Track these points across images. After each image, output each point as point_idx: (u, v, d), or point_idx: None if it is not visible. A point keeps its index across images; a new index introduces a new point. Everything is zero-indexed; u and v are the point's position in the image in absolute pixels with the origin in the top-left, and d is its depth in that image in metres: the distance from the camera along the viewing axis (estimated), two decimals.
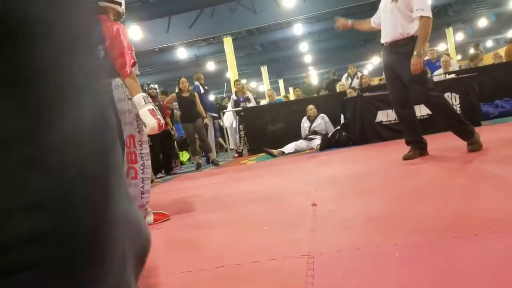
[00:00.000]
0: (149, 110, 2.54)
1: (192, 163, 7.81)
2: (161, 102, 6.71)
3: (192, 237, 2.28)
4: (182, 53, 17.15)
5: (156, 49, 16.05)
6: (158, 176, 6.31)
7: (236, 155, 7.68)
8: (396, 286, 1.21)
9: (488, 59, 10.17)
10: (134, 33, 12.75)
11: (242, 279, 1.48)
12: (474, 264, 1.28)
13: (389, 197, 2.37)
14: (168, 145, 6.82)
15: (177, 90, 6.76)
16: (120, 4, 2.78)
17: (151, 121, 2.52)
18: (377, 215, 2.02)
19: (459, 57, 20.74)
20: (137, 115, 2.59)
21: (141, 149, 2.65)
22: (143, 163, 2.65)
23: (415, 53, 3.29)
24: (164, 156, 6.81)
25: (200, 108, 6.69)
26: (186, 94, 6.65)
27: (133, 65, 2.59)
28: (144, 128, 2.61)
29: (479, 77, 6.04)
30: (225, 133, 8.15)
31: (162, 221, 2.76)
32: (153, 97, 6.40)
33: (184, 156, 8.57)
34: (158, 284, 1.61)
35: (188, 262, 1.82)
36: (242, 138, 7.69)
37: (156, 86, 6.77)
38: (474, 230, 1.56)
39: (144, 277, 1.69)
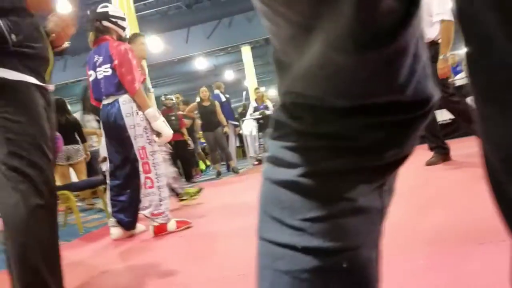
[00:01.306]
0: (163, 121, 2.78)
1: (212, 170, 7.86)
2: (177, 113, 6.76)
3: (215, 245, 2.30)
4: (200, 63, 17.33)
5: (176, 60, 16.26)
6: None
7: (256, 162, 7.70)
8: None
9: None
10: (155, 44, 12.96)
11: None
12: (501, 270, 1.26)
13: (413, 203, 2.35)
14: (186, 154, 6.87)
15: (198, 100, 6.84)
16: (123, 29, 2.96)
17: (167, 130, 2.76)
18: (400, 221, 2.00)
19: None
20: (146, 128, 2.75)
21: (153, 159, 2.76)
22: (156, 172, 2.77)
23: (440, 57, 3.26)
24: (183, 165, 6.87)
25: (221, 116, 6.76)
26: (206, 104, 6.73)
27: (143, 81, 2.78)
28: (155, 138, 2.78)
29: None
30: (245, 141, 8.18)
31: (184, 228, 2.79)
32: (170, 108, 6.49)
33: (202, 165, 8.64)
34: None
35: (209, 269, 1.84)
36: (262, 146, 7.71)
37: (173, 97, 6.85)
38: (501, 236, 1.53)
39: (168, 285, 1.72)
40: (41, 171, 1.42)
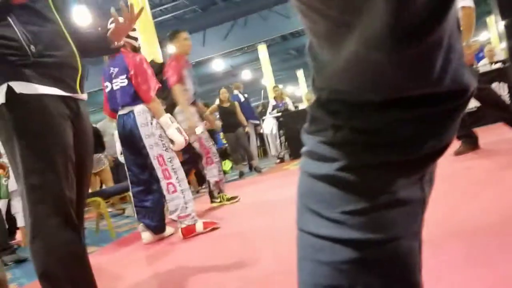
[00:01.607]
0: (176, 128, 2.81)
1: (234, 171, 7.89)
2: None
3: (244, 245, 2.32)
4: (218, 65, 17.43)
5: (193, 63, 16.39)
6: (204, 186, 6.42)
7: (278, 160, 7.69)
8: (461, 281, 1.20)
9: None
10: (172, 49, 13.07)
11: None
12: None
13: (444, 194, 2.31)
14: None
15: (217, 101, 6.89)
16: (136, 39, 3.05)
17: (179, 138, 2.80)
18: (432, 213, 1.98)
19: (503, 45, 19.81)
20: (160, 136, 2.83)
21: (172, 165, 2.83)
22: (177, 176, 2.83)
23: (464, 43, 3.20)
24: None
25: (241, 117, 6.79)
26: (226, 105, 6.78)
27: (158, 89, 2.83)
28: (171, 145, 2.84)
29: None
30: (266, 139, 8.18)
31: (212, 229, 2.83)
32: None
33: (226, 165, 8.68)
34: None
35: (242, 268, 1.86)
36: (283, 144, 7.71)
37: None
38: None
39: (204, 285, 1.74)
40: (49, 187, 1.36)
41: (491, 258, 1.32)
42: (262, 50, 15.77)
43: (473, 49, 3.19)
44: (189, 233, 2.79)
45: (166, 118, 2.82)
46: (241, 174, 6.89)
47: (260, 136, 8.84)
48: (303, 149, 0.53)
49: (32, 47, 1.38)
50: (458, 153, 3.49)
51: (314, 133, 0.50)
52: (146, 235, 2.99)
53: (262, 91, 14.10)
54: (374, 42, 0.38)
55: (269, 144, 8.29)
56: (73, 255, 1.40)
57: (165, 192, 2.86)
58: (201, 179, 6.63)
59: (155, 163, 2.84)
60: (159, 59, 9.03)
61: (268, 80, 15.97)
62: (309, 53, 0.51)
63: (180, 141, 2.81)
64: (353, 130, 0.46)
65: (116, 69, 2.87)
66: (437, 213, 1.97)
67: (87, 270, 1.45)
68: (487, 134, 4.10)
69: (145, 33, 8.95)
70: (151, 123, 2.82)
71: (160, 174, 2.84)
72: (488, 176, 2.58)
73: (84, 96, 1.60)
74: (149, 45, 8.94)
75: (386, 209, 0.46)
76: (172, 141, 2.86)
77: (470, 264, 1.32)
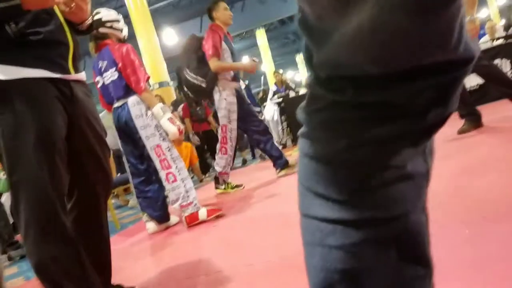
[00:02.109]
0: (168, 119, 2.75)
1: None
2: (202, 101, 6.79)
3: (251, 232, 2.31)
4: None
5: None
6: (207, 175, 6.44)
7: (280, 147, 7.67)
8: (469, 265, 1.18)
9: None
10: (169, 37, 12.99)
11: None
12: None
13: (449, 172, 2.29)
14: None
15: None
16: (120, 30, 2.94)
17: (172, 128, 2.74)
18: (438, 191, 1.96)
19: (503, 21, 19.60)
20: (157, 126, 2.79)
21: (170, 154, 2.81)
22: (177, 165, 2.81)
23: (468, 18, 3.15)
24: (213, 154, 6.90)
25: None
26: None
27: (147, 80, 2.77)
28: (166, 135, 2.81)
29: None
30: (267, 126, 8.14)
31: (216, 216, 2.82)
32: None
33: None
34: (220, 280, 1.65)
35: (248, 256, 1.85)
36: (285, 130, 7.67)
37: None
38: None
39: (207, 273, 1.74)
40: (30, 185, 1.23)
41: (502, 234, 1.30)
42: (261, 35, 15.65)
43: (477, 24, 3.14)
44: (192, 220, 2.78)
45: (158, 108, 2.77)
46: (244, 162, 6.88)
47: None
48: (302, 131, 0.50)
49: (12, 25, 1.21)
50: (461, 131, 3.45)
51: (314, 113, 0.48)
52: (151, 225, 2.99)
53: (262, 77, 14.02)
54: (398, 6, 0.35)
55: (271, 130, 8.25)
56: (63, 272, 1.24)
57: (164, 183, 2.83)
58: (205, 168, 6.65)
59: (152, 154, 2.82)
60: (157, 47, 8.99)
61: (267, 65, 15.88)
62: (302, 27, 0.46)
63: (173, 131, 2.75)
64: (359, 106, 0.44)
65: (105, 63, 2.83)
66: (440, 190, 1.95)
67: (86, 279, 1.30)
68: (490, 111, 4.06)
69: (140, 21, 8.89)
70: (146, 114, 2.79)
71: (158, 165, 2.82)
72: (494, 151, 2.55)
73: (80, 76, 1.45)
74: (145, 32, 8.89)
75: (395, 185, 0.45)
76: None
77: (479, 241, 1.30)
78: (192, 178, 6.86)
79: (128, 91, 2.78)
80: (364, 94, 0.43)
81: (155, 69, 8.92)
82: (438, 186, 2.10)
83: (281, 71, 8.79)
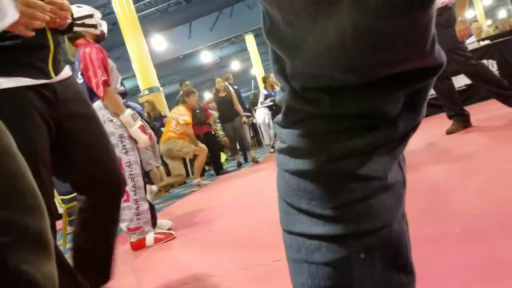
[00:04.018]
0: (139, 127, 2.59)
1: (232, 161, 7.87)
2: (201, 105, 6.80)
3: (246, 236, 2.30)
4: (206, 57, 17.32)
5: (181, 56, 16.27)
6: (206, 175, 6.47)
7: (272, 150, 7.69)
8: (460, 263, 1.19)
9: None
10: (158, 43, 12.98)
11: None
12: None
13: (439, 171, 2.31)
14: (213, 146, 6.87)
15: (214, 91, 6.86)
16: (94, 27, 2.72)
17: (143, 137, 2.59)
18: (430, 190, 1.98)
19: (489, 22, 19.90)
20: (121, 136, 2.58)
21: (130, 170, 2.59)
22: (134, 184, 2.60)
23: (459, 19, 3.19)
24: (213, 158, 6.91)
25: (238, 107, 6.75)
26: (223, 94, 6.76)
27: (106, 84, 2.54)
28: (132, 147, 2.62)
29: None
30: (259, 129, 8.15)
31: (166, 241, 2.64)
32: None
33: (222, 157, 8.67)
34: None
35: (242, 259, 1.84)
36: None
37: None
38: None
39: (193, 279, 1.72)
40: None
41: (493, 233, 1.31)
42: (250, 40, 15.70)
43: (468, 25, 3.18)
44: (138, 247, 2.62)
45: (127, 116, 2.55)
46: (239, 165, 6.89)
47: (253, 126, 8.81)
48: (279, 146, 0.49)
49: None
50: (450, 131, 3.49)
51: (291, 126, 0.47)
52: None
53: (252, 81, 14.04)
54: (382, 7, 0.34)
55: (262, 134, 8.26)
56: None
57: None
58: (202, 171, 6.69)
59: None
60: (146, 53, 8.96)
61: (257, 70, 15.91)
62: (271, 38, 0.44)
63: (143, 139, 2.59)
64: (335, 117, 0.43)
65: (77, 63, 2.65)
66: (432, 188, 1.96)
67: None
68: (479, 111, 4.11)
69: (129, 28, 8.87)
70: (111, 121, 2.57)
71: None
72: (483, 150, 2.58)
73: (62, 76, 1.37)
74: (134, 39, 8.87)
75: (377, 196, 0.45)
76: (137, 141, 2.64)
77: (469, 240, 1.31)
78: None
79: (93, 95, 2.57)
80: (341, 105, 0.42)
81: (144, 75, 8.91)
82: (428, 186, 2.12)
83: (272, 75, 8.80)
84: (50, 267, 0.56)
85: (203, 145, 5.83)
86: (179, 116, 5.69)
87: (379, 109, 0.42)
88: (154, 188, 5.83)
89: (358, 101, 0.42)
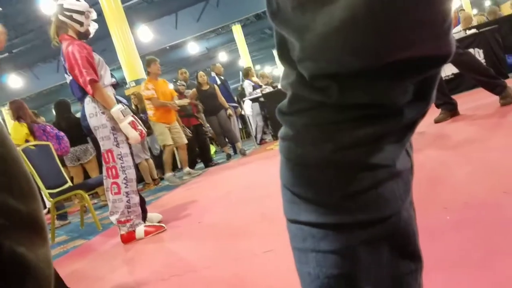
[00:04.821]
0: (129, 123, 2.57)
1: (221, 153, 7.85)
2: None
3: (237, 227, 2.30)
4: (193, 48, 17.16)
5: (167, 47, 16.10)
6: (196, 169, 6.45)
7: (259, 141, 7.71)
8: (450, 250, 1.20)
9: (506, 9, 9.79)
10: (144, 34, 12.82)
11: None
12: None
13: (429, 160, 2.33)
14: (202, 138, 6.83)
15: (196, 85, 6.81)
16: (80, 24, 2.68)
17: (133, 134, 2.57)
18: (419, 179, 1.99)
19: (475, 11, 20.04)
20: (113, 128, 2.59)
21: (121, 163, 2.60)
22: (126, 176, 2.61)
23: None
24: (201, 149, 6.88)
25: (222, 99, 6.71)
26: (205, 87, 6.68)
27: (92, 82, 2.53)
28: (123, 140, 2.61)
29: (501, 29, 5.83)
30: (248, 121, 8.13)
31: (156, 234, 2.64)
32: (182, 93, 6.47)
33: (212, 149, 8.64)
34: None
35: (233, 250, 1.84)
36: (263, 125, 7.73)
37: (184, 82, 6.84)
38: None
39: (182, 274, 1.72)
40: None
41: (483, 218, 1.33)
42: (237, 31, 15.58)
43: (455, 14, 3.20)
44: (128, 240, 2.62)
45: (117, 111, 2.54)
46: (229, 157, 6.88)
47: (242, 118, 8.78)
48: (283, 133, 0.48)
49: None
50: (438, 120, 3.52)
51: (297, 114, 0.46)
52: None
53: (240, 73, 13.97)
54: None
55: (251, 126, 8.25)
56: None
57: (107, 192, 2.64)
58: (193, 163, 6.66)
59: (103, 159, 2.61)
60: (132, 45, 8.85)
61: (245, 61, 15.84)
62: (277, 21, 0.43)
63: (133, 135, 2.57)
64: (344, 106, 0.42)
65: (63, 59, 2.63)
66: (421, 176, 1.98)
67: None
68: (466, 100, 4.15)
69: (114, 19, 8.73)
70: (102, 113, 2.58)
71: (104, 172, 2.62)
72: (471, 138, 2.60)
73: None
74: (119, 30, 8.74)
75: (386, 184, 0.44)
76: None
77: (460, 227, 1.32)
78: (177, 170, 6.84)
79: (85, 91, 2.59)
80: (350, 94, 0.41)
81: (130, 67, 8.80)
82: (419, 174, 2.13)
83: (257, 67, 8.78)
84: (45, 251, 0.55)
85: (183, 136, 5.75)
86: (143, 92, 5.58)
87: (388, 98, 0.42)
88: (187, 169, 5.82)
89: (367, 90, 0.41)
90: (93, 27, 2.78)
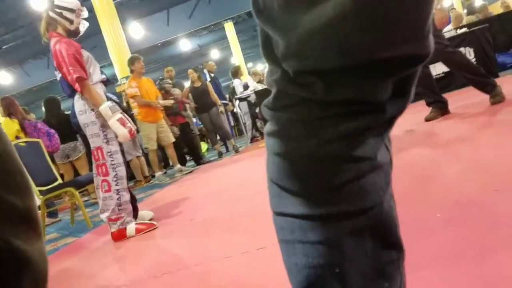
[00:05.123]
0: (118, 119, 2.54)
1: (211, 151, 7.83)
2: (177, 97, 6.70)
3: (227, 225, 2.30)
4: (185, 45, 17.08)
5: (159, 44, 16.00)
6: (187, 166, 6.43)
7: (249, 140, 7.69)
8: (441, 248, 1.21)
9: (496, 9, 9.87)
10: (135, 31, 12.74)
11: None
12: None
13: (419, 157, 2.35)
14: (189, 137, 6.80)
15: (189, 83, 6.79)
16: (70, 21, 2.65)
17: (122, 131, 2.54)
18: (409, 176, 2.01)
19: (465, 10, 20.15)
20: (103, 125, 2.57)
21: (111, 160, 2.58)
22: (116, 174, 2.59)
23: (438, 7, 3.22)
24: (190, 148, 6.85)
25: (214, 96, 6.69)
26: (197, 84, 6.67)
27: (80, 80, 2.51)
28: (113, 137, 2.59)
29: (491, 28, 5.88)
30: (240, 119, 8.11)
31: (147, 231, 2.63)
32: (168, 92, 6.43)
33: (203, 147, 8.61)
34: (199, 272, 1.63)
35: (223, 247, 1.84)
36: (254, 123, 7.72)
37: (170, 80, 6.79)
38: None
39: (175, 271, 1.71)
40: None
41: (473, 216, 1.34)
42: (229, 28, 15.55)
43: (446, 13, 3.22)
44: (119, 237, 2.61)
45: (105, 108, 2.52)
46: (220, 155, 6.85)
47: (234, 115, 8.76)
48: (269, 129, 0.50)
49: None
50: (429, 118, 3.54)
51: (281, 110, 0.47)
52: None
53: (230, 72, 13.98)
54: None
55: (243, 123, 8.23)
56: None
57: (97, 190, 2.63)
58: (183, 160, 6.62)
59: (92, 156, 2.61)
60: (123, 41, 8.78)
61: (237, 58, 15.82)
62: (263, 19, 0.44)
63: (123, 133, 2.53)
64: (329, 102, 0.43)
65: (52, 58, 2.62)
66: (412, 174, 1.99)
67: None
68: (456, 98, 4.18)
69: (105, 15, 8.66)
70: (91, 110, 2.56)
71: (94, 170, 2.61)
72: (462, 136, 2.62)
73: None
74: (111, 27, 8.67)
75: (368, 176, 0.46)
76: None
77: (450, 225, 1.33)
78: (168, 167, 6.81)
79: (74, 88, 2.57)
80: (334, 91, 0.42)
81: (122, 63, 8.71)
82: (409, 172, 2.15)
83: (250, 64, 8.78)
84: (41, 246, 0.56)
85: (170, 134, 5.73)
86: (127, 90, 5.52)
87: (372, 95, 0.43)
88: (179, 166, 5.79)
89: (352, 86, 0.42)
90: (83, 26, 2.75)
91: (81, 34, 2.76)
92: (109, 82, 2.81)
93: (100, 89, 2.65)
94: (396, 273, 0.50)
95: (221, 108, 6.80)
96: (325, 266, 0.46)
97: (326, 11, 0.37)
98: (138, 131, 5.35)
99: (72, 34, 2.71)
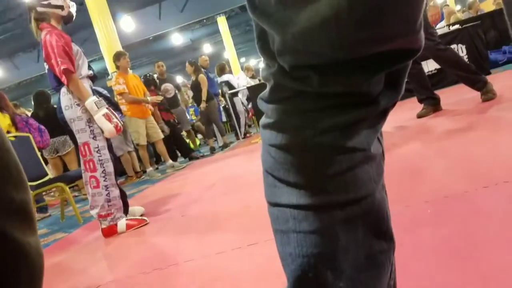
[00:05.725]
0: (103, 115, 2.50)
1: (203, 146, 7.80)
2: (159, 93, 6.60)
3: (219, 222, 2.29)
4: (176, 39, 16.97)
5: (150, 38, 15.89)
6: (178, 162, 6.41)
7: (242, 135, 7.69)
8: (431, 243, 1.21)
9: (488, 6, 9.93)
10: (126, 24, 12.62)
11: None
12: (510, 210, 1.26)
13: (411, 154, 2.35)
14: (177, 131, 6.77)
15: (181, 77, 6.80)
16: (61, 8, 2.60)
17: (107, 126, 2.50)
18: (401, 171, 2.01)
19: (458, 7, 20.28)
20: (89, 120, 2.53)
21: (99, 156, 2.54)
22: (104, 170, 2.55)
23: (431, 4, 3.23)
24: (177, 144, 6.81)
25: (204, 90, 6.68)
26: (193, 78, 6.79)
27: (67, 72, 2.47)
28: (100, 132, 2.55)
29: (483, 25, 5.91)
30: (232, 114, 8.09)
31: (138, 227, 2.62)
32: (156, 87, 6.37)
33: (196, 141, 8.59)
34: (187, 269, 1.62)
35: (211, 245, 1.83)
36: (246, 119, 7.75)
37: (155, 75, 6.75)
38: (504, 177, 1.54)
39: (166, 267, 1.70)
40: None
41: (462, 212, 1.35)
42: (222, 22, 15.48)
43: (438, 10, 3.23)
44: (110, 234, 2.59)
45: (90, 102, 2.48)
46: (212, 150, 6.84)
47: (227, 111, 8.73)
48: (264, 122, 0.51)
49: None
50: (421, 115, 3.56)
51: (277, 102, 0.48)
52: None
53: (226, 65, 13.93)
54: None
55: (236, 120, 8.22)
56: None
57: (86, 186, 2.60)
58: (174, 157, 6.59)
59: (79, 152, 2.57)
60: (114, 35, 8.70)
61: (230, 53, 15.76)
62: (258, 14, 0.44)
63: (108, 128, 2.50)
64: (323, 95, 0.45)
65: (42, 52, 2.57)
66: (403, 171, 2.00)
67: None
68: (448, 95, 4.21)
69: (97, 9, 8.57)
70: (77, 105, 2.52)
71: (82, 166, 2.57)
72: (453, 133, 2.63)
73: None
74: (102, 20, 8.58)
75: (361, 166, 0.47)
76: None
77: (440, 220, 1.34)
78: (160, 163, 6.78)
79: (60, 81, 2.53)
80: (329, 84, 0.44)
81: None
82: (401, 167, 2.15)
83: (243, 59, 8.77)
84: (36, 239, 0.56)
85: (159, 131, 5.71)
86: (114, 87, 5.46)
87: (366, 87, 0.44)
88: (171, 162, 5.77)
89: (346, 79, 0.43)
90: (73, 8, 2.70)
91: (74, 17, 2.70)
92: (96, 78, 2.77)
93: (86, 84, 2.61)
94: (387, 263, 0.52)
95: (202, 104, 6.74)
96: (319, 255, 0.47)
97: (321, 7, 0.37)
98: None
99: (67, 19, 2.67)
